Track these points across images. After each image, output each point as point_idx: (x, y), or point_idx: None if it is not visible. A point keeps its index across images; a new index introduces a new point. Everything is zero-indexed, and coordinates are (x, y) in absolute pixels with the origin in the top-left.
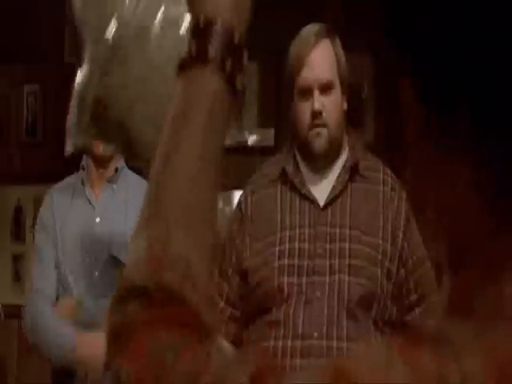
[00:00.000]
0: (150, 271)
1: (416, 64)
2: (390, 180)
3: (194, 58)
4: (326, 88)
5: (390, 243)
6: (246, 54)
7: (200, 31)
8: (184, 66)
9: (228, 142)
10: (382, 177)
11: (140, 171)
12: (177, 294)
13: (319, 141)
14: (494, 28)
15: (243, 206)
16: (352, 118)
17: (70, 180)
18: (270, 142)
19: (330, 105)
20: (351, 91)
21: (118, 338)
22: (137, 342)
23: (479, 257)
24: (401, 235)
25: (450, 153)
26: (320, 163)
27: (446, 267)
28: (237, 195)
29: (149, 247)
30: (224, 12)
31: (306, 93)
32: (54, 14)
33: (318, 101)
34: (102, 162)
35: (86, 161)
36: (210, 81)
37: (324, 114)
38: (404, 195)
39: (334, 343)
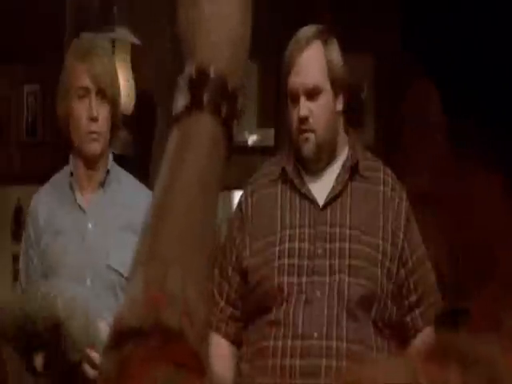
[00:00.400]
0: (146, 312)
1: (434, 74)
2: (390, 180)
3: (189, 108)
4: (312, 93)
5: (390, 243)
6: (241, 100)
7: (194, 82)
8: (180, 117)
9: None
10: (382, 177)
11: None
12: (175, 331)
13: (307, 146)
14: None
15: (243, 206)
16: (352, 118)
17: (55, 181)
18: (270, 142)
19: (318, 109)
20: (351, 92)
21: (113, 377)
22: (133, 380)
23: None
24: (401, 235)
25: (467, 159)
26: (313, 166)
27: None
28: (237, 195)
29: (145, 288)
30: (219, 61)
31: (295, 97)
32: (54, 14)
33: (304, 106)
34: (91, 163)
35: (73, 164)
36: (205, 124)
37: (311, 120)
38: (404, 195)
39: (334, 343)
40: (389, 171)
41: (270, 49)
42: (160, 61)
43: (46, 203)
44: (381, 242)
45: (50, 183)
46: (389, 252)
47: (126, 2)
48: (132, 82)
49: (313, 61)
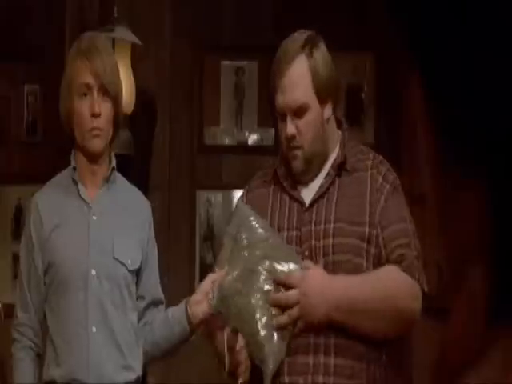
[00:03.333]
0: None
1: (433, 86)
2: (378, 165)
3: None
4: (299, 111)
5: (369, 225)
6: None
7: None
8: None
9: (228, 141)
10: (370, 163)
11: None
12: None
13: (296, 162)
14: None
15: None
16: (352, 118)
17: (57, 180)
18: (270, 141)
19: (305, 126)
20: (351, 91)
21: None
22: None
23: None
24: (377, 216)
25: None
26: (304, 178)
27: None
28: (237, 195)
29: None
30: None
31: (282, 115)
32: (55, 14)
33: (291, 124)
34: (94, 159)
35: (76, 160)
36: None
37: (297, 137)
38: (391, 178)
39: (322, 340)
40: (380, 158)
41: (269, 49)
42: (160, 61)
43: (46, 199)
44: (367, 229)
45: (49, 182)
46: (374, 237)
47: (126, 1)
48: (132, 81)
49: (297, 79)
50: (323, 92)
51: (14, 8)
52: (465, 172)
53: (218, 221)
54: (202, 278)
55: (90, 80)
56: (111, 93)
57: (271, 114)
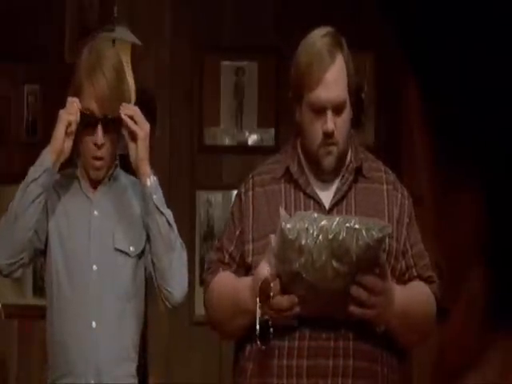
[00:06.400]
0: None
1: (429, 89)
2: (392, 179)
3: None
4: (339, 108)
5: (396, 240)
6: None
7: None
8: None
9: (228, 141)
10: (384, 176)
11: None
12: None
13: (329, 159)
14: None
15: (244, 197)
16: (352, 118)
17: (62, 174)
18: (270, 142)
19: (342, 123)
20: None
21: None
22: None
23: None
24: (404, 232)
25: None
26: (328, 177)
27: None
28: None
29: None
30: None
31: (320, 111)
32: (55, 14)
33: (332, 121)
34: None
35: (79, 162)
36: None
37: (335, 133)
38: (406, 193)
39: (341, 343)
40: (389, 171)
41: (269, 49)
42: (160, 61)
43: (52, 193)
44: (386, 240)
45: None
46: (394, 249)
47: (126, 1)
48: (132, 81)
49: (340, 76)
50: (352, 91)
51: (14, 8)
52: (462, 172)
53: (217, 221)
54: (201, 277)
55: (94, 108)
56: (116, 124)
57: (291, 109)
